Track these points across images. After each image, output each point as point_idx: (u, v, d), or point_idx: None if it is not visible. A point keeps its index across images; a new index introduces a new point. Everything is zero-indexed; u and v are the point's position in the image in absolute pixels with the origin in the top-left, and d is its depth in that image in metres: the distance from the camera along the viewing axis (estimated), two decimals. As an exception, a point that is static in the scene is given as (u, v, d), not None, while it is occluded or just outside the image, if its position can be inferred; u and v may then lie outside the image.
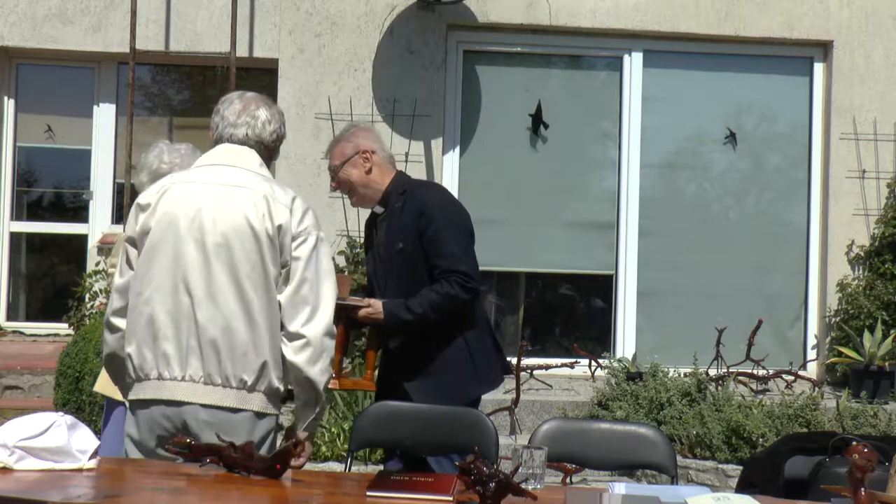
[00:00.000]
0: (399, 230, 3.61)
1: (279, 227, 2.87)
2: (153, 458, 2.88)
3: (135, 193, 3.66)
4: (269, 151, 3.07)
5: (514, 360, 6.37)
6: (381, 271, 3.73)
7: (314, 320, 2.88)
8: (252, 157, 2.99)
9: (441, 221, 3.57)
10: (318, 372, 2.89)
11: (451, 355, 3.61)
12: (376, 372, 3.79)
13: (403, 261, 3.61)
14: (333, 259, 6.68)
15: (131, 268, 2.93)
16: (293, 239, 2.88)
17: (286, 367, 2.89)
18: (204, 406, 2.83)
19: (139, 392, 2.89)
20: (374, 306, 3.55)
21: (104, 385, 3.88)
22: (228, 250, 2.84)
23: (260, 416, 2.88)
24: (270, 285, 2.86)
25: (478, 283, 3.60)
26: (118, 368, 3.00)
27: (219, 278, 2.83)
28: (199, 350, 2.83)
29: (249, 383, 2.85)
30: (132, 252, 2.94)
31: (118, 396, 3.70)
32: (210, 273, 2.83)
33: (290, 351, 2.87)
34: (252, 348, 2.84)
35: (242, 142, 3.01)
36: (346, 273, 6.65)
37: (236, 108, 3.02)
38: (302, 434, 2.92)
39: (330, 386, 3.65)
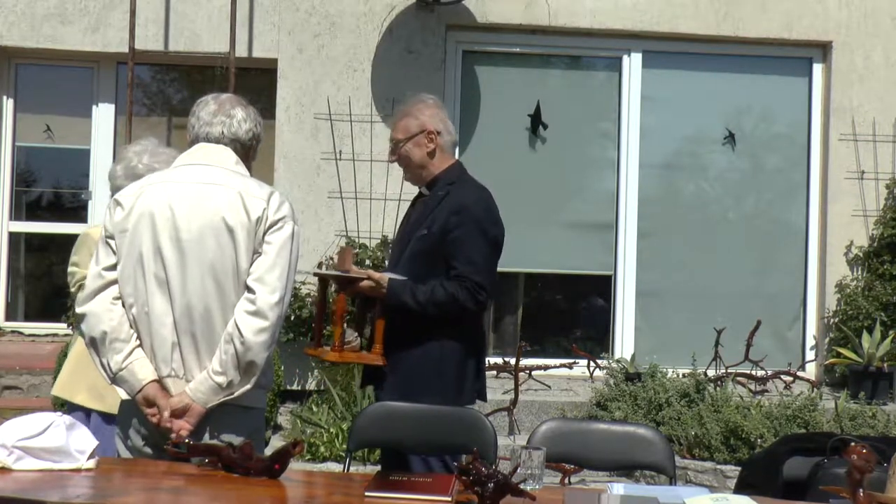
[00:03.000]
0: (430, 218, 3.54)
1: (256, 220, 2.85)
2: (142, 456, 2.90)
3: (116, 188, 3.57)
4: (245, 150, 3.05)
5: (512, 361, 6.39)
6: (398, 248, 3.69)
7: (279, 307, 2.84)
8: (227, 155, 2.98)
9: (470, 226, 3.48)
10: (257, 352, 2.80)
11: (420, 356, 3.49)
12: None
13: (421, 247, 3.53)
14: (332, 258, 6.79)
15: (107, 258, 2.90)
16: (269, 227, 2.87)
17: (243, 344, 2.79)
18: None
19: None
20: (373, 278, 3.46)
21: (62, 388, 3.80)
22: (203, 247, 2.84)
23: (245, 409, 2.89)
24: (245, 281, 2.85)
25: (488, 297, 3.49)
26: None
27: (194, 275, 2.83)
28: (180, 347, 2.85)
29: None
30: (108, 245, 2.90)
31: (77, 400, 3.68)
32: (186, 270, 2.84)
33: (247, 325, 2.79)
34: None
35: (218, 139, 3.00)
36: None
37: (211, 109, 3.03)
38: (196, 409, 2.81)
39: (327, 358, 3.62)
